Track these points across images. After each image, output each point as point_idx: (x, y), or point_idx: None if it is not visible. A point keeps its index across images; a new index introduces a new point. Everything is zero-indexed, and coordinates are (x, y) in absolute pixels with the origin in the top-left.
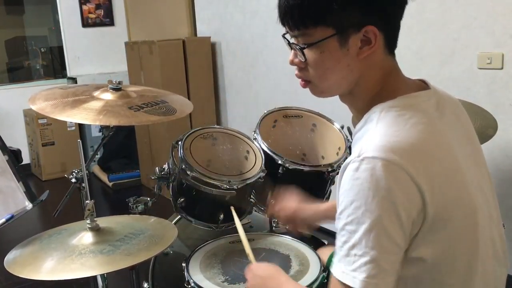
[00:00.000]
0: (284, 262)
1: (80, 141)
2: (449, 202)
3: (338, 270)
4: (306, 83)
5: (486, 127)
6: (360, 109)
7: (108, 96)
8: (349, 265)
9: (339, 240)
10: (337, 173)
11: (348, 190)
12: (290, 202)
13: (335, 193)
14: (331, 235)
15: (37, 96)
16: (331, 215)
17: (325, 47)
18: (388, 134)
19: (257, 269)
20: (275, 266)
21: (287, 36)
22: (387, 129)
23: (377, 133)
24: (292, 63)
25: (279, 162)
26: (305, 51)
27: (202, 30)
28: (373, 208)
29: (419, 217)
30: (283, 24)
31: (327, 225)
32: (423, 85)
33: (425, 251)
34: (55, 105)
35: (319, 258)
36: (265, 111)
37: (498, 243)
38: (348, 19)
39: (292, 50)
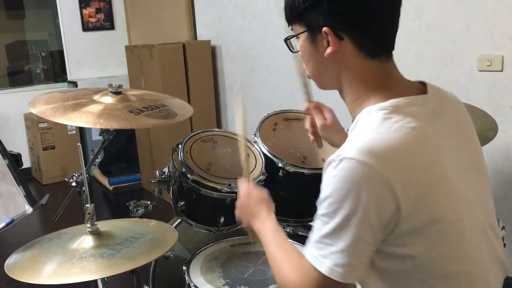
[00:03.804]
0: None
1: (80, 145)
2: (428, 208)
3: (309, 253)
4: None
5: (486, 129)
6: (351, 110)
7: (108, 99)
8: (319, 250)
9: (315, 225)
10: None
11: (326, 186)
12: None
13: None
14: None
15: (37, 100)
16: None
17: (302, 43)
18: (371, 136)
19: (250, 196)
20: (267, 205)
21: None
22: (371, 131)
23: (360, 135)
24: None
25: (280, 165)
26: (292, 43)
27: (202, 33)
28: (344, 206)
29: (393, 219)
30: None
31: None
32: (421, 89)
33: (407, 250)
34: (55, 109)
35: None
36: (265, 114)
37: (498, 248)
38: (313, 19)
39: None
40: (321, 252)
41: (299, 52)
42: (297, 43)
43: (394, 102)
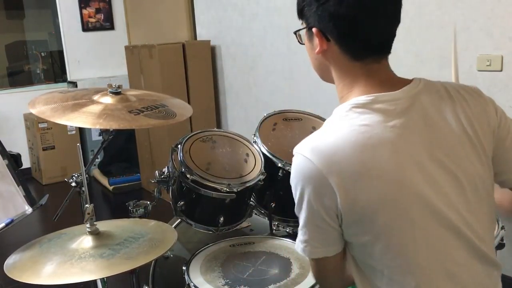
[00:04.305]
0: (284, 266)
1: (80, 145)
2: (369, 204)
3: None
4: None
5: None
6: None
7: (108, 100)
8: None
9: None
10: None
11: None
12: None
13: None
14: None
15: (36, 100)
16: None
17: (304, 37)
18: (321, 135)
19: None
20: None
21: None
22: (324, 129)
23: (316, 133)
24: None
25: (279, 165)
26: (302, 37)
27: (202, 33)
28: (296, 194)
29: (337, 210)
30: None
31: None
32: (404, 84)
33: (358, 240)
34: (55, 109)
35: None
36: (265, 114)
37: (481, 246)
38: (309, 18)
39: None
40: (299, 229)
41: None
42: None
43: (355, 101)
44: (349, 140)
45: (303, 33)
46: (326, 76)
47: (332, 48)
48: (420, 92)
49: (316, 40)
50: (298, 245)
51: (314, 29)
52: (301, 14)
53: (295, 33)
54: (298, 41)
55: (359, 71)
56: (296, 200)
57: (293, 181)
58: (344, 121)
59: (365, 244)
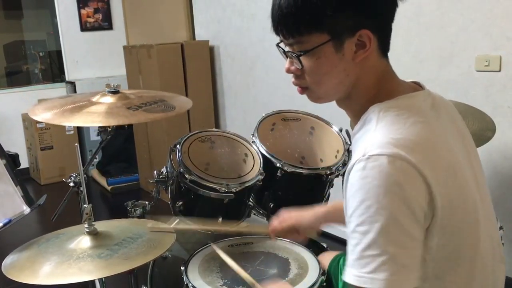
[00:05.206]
0: (283, 266)
1: (78, 145)
2: (452, 197)
3: (351, 276)
4: (304, 89)
5: (484, 130)
6: (357, 112)
7: (107, 99)
8: (364, 267)
9: (350, 243)
10: (336, 176)
11: (357, 190)
12: (288, 213)
13: (334, 196)
14: (331, 238)
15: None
16: (331, 217)
17: (321, 53)
18: (390, 132)
19: None
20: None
21: (282, 45)
22: (388, 127)
23: (379, 132)
24: (288, 71)
25: (278, 165)
26: (301, 58)
27: (201, 34)
28: (385, 204)
29: (429, 210)
30: (277, 33)
31: (327, 229)
32: (417, 87)
33: (430, 244)
34: (56, 114)
35: (318, 261)
36: (264, 114)
37: (495, 241)
38: (342, 24)
39: (288, 58)
40: (369, 268)
41: (305, 67)
42: (304, 58)
43: (401, 99)
44: (424, 136)
45: (323, 48)
46: (338, 91)
47: (373, 47)
48: (430, 92)
49: (353, 47)
50: (391, 282)
51: (364, 31)
52: (320, 25)
53: (298, 56)
54: (298, 67)
55: (385, 68)
56: (383, 217)
57: (376, 190)
58: (402, 119)
59: (437, 245)
